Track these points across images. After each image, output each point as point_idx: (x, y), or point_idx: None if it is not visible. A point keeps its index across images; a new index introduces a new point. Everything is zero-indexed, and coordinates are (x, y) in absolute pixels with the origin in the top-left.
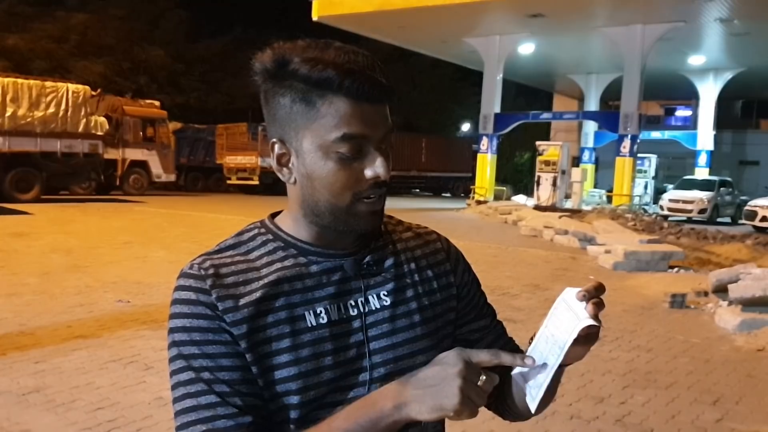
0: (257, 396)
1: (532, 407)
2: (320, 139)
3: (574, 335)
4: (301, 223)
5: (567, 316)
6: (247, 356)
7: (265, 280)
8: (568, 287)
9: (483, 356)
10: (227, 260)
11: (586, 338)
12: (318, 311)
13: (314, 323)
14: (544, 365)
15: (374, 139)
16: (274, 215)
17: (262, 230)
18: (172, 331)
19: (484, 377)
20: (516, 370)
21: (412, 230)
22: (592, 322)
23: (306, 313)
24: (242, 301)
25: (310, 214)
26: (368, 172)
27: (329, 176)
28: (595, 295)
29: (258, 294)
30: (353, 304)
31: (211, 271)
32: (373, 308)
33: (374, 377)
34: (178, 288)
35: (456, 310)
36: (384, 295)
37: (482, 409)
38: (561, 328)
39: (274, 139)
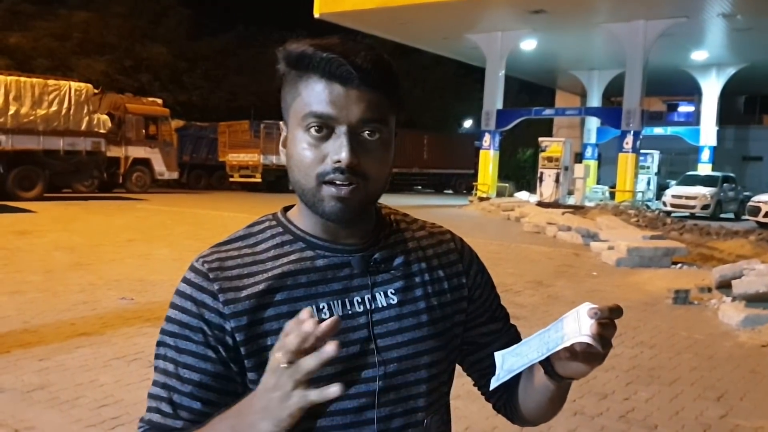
0: (208, 403)
1: (492, 385)
2: (297, 118)
3: (566, 344)
4: (304, 212)
5: (572, 326)
6: (243, 349)
7: (270, 274)
8: (588, 302)
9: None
10: (234, 252)
11: (586, 357)
12: (321, 306)
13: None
14: (525, 356)
15: (346, 122)
16: (287, 209)
17: (273, 223)
18: (165, 319)
19: (283, 361)
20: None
21: (425, 229)
22: (589, 340)
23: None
24: (244, 293)
25: (299, 197)
26: (333, 155)
27: (299, 154)
28: (606, 316)
29: (261, 287)
30: (359, 300)
31: (215, 264)
32: (380, 306)
33: (385, 373)
34: (182, 280)
35: (466, 312)
36: (391, 293)
37: (485, 405)
38: (560, 333)
39: (281, 123)
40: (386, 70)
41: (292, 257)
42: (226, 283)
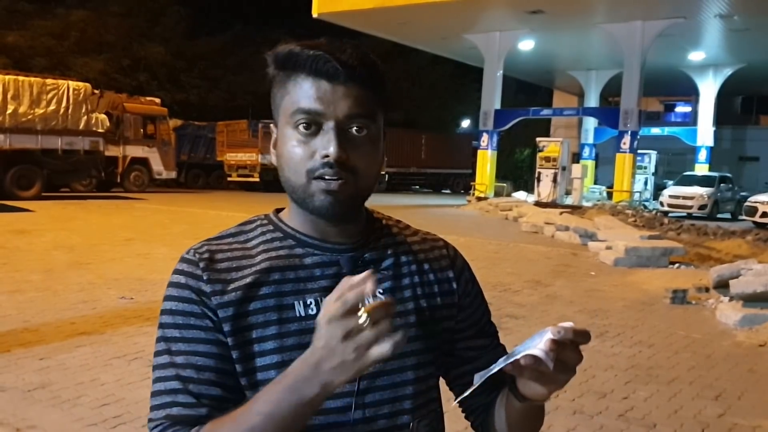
0: (227, 387)
1: (458, 398)
2: (285, 116)
3: (518, 357)
4: (294, 211)
5: (535, 341)
6: (230, 340)
7: (257, 267)
8: (565, 323)
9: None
10: (225, 246)
11: (540, 377)
12: (308, 302)
13: (303, 313)
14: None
15: (333, 117)
16: (279, 210)
17: (264, 221)
18: (161, 313)
19: (366, 319)
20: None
21: (419, 235)
22: (539, 353)
23: (295, 303)
24: (232, 286)
25: (289, 195)
26: (321, 150)
27: (288, 152)
28: (569, 338)
29: (248, 279)
30: None
31: (206, 255)
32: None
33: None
34: (174, 272)
35: (455, 319)
36: (379, 293)
37: None
38: (524, 347)
39: (271, 125)
40: (372, 68)
41: (281, 252)
42: (214, 275)
